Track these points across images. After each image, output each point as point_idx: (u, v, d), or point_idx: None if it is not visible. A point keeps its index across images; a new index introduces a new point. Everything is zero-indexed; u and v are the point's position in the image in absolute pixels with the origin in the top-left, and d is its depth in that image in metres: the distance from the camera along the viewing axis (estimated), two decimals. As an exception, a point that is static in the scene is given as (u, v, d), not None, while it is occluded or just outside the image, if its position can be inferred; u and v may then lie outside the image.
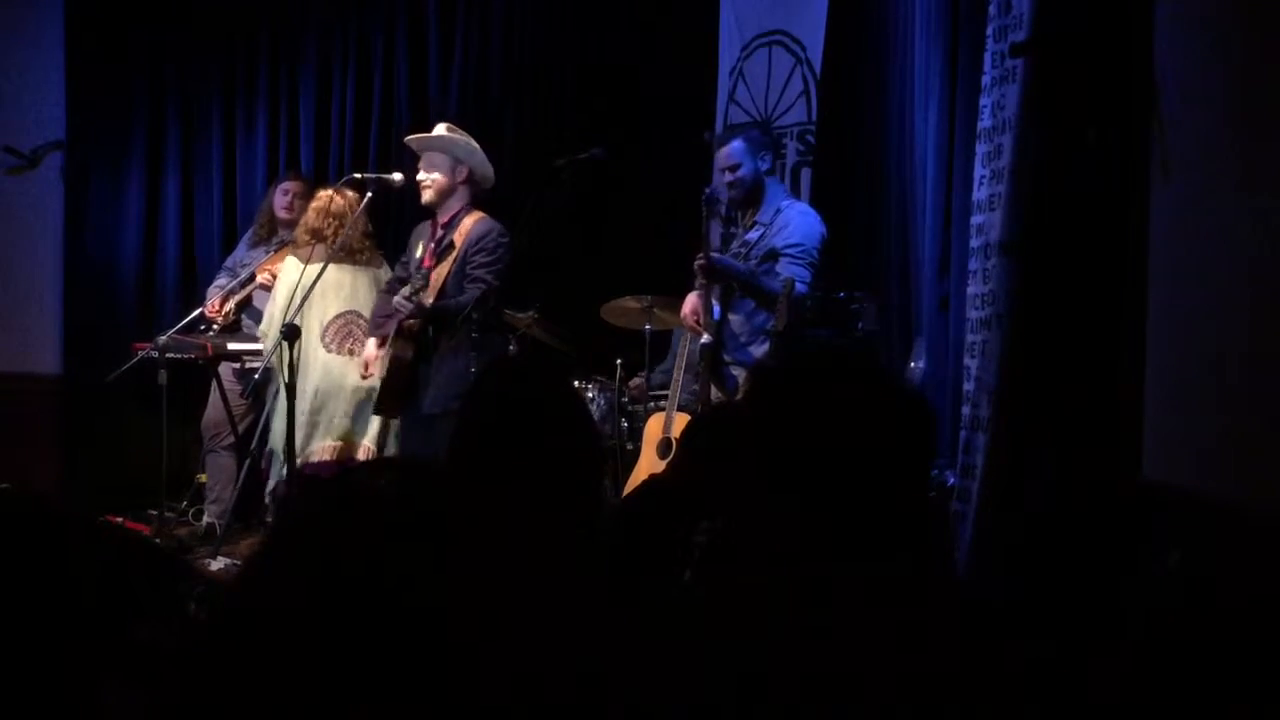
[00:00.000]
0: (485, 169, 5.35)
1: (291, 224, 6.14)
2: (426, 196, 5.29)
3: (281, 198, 6.22)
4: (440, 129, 5.40)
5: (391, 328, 5.19)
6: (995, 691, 1.52)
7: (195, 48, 7.13)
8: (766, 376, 4.14)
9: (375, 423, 5.67)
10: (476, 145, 5.34)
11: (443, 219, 5.29)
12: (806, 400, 1.69)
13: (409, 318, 5.04)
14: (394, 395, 5.18)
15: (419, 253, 5.35)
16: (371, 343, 5.40)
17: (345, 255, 5.65)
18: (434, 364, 5.08)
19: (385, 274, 5.75)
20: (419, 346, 5.12)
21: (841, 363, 1.87)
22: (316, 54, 7.09)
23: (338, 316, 5.63)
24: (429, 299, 5.08)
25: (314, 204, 5.78)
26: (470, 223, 5.22)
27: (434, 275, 5.07)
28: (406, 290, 5.02)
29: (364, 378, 5.47)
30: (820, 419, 1.65)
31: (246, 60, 7.17)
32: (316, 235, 5.64)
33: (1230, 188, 3.15)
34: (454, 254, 5.14)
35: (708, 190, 4.87)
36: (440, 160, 5.30)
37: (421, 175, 5.30)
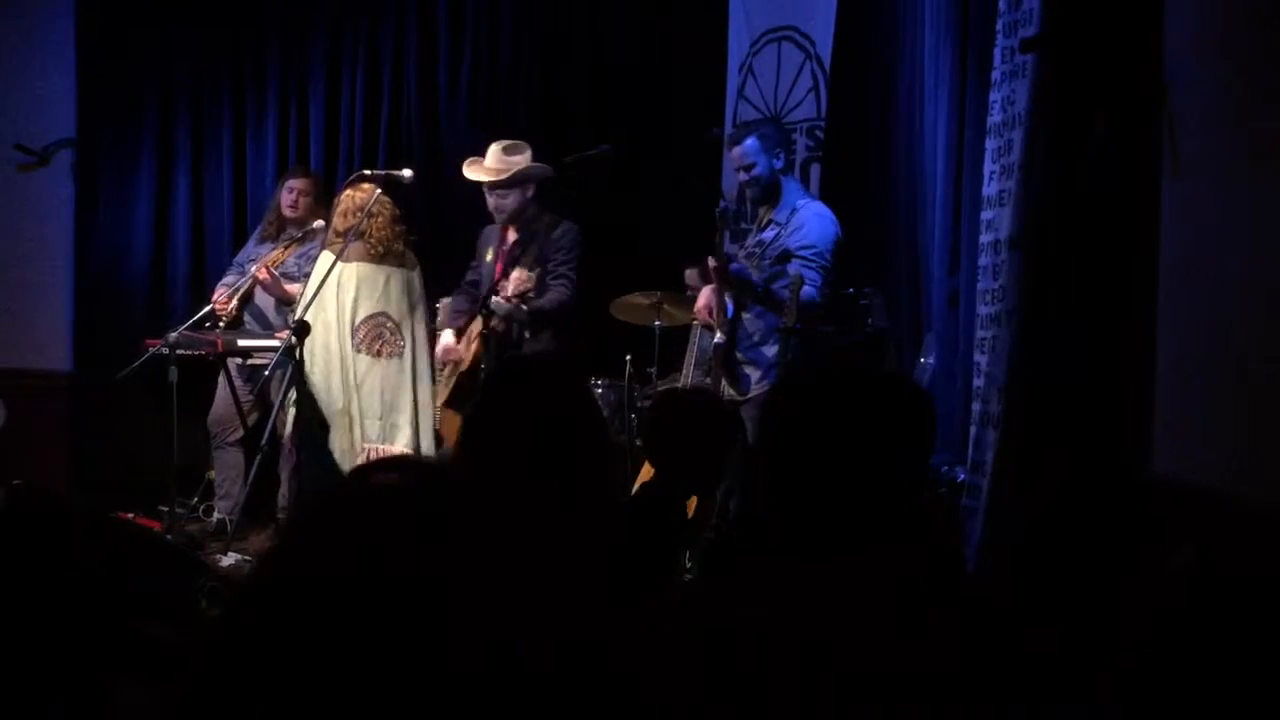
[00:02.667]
0: (546, 172, 5.42)
1: (297, 222, 6.14)
2: (501, 219, 5.40)
3: (287, 195, 6.21)
4: (495, 154, 5.40)
5: (478, 326, 5.23)
6: (1002, 687, 1.52)
7: (205, 45, 7.14)
8: (778, 380, 4.14)
9: (408, 428, 5.66)
10: (529, 153, 5.36)
11: (515, 224, 5.38)
12: (806, 399, 1.70)
13: (507, 317, 5.10)
14: (469, 390, 5.23)
15: (490, 257, 5.38)
16: (449, 332, 5.48)
17: (384, 252, 5.60)
18: None
19: (419, 277, 5.74)
20: (501, 346, 5.19)
21: (840, 361, 1.88)
22: (326, 51, 7.10)
23: (369, 317, 5.59)
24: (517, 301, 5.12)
25: (336, 208, 5.71)
26: (546, 224, 5.30)
27: (515, 276, 5.09)
28: (510, 290, 5.05)
29: (443, 365, 5.56)
30: (820, 416, 1.66)
31: (256, 57, 7.17)
32: (350, 232, 5.58)
33: (1241, 182, 3.14)
34: (532, 256, 5.21)
35: (721, 205, 4.87)
36: (510, 190, 5.37)
37: (493, 203, 5.39)
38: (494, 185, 5.38)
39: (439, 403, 5.55)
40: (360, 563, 0.80)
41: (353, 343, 5.56)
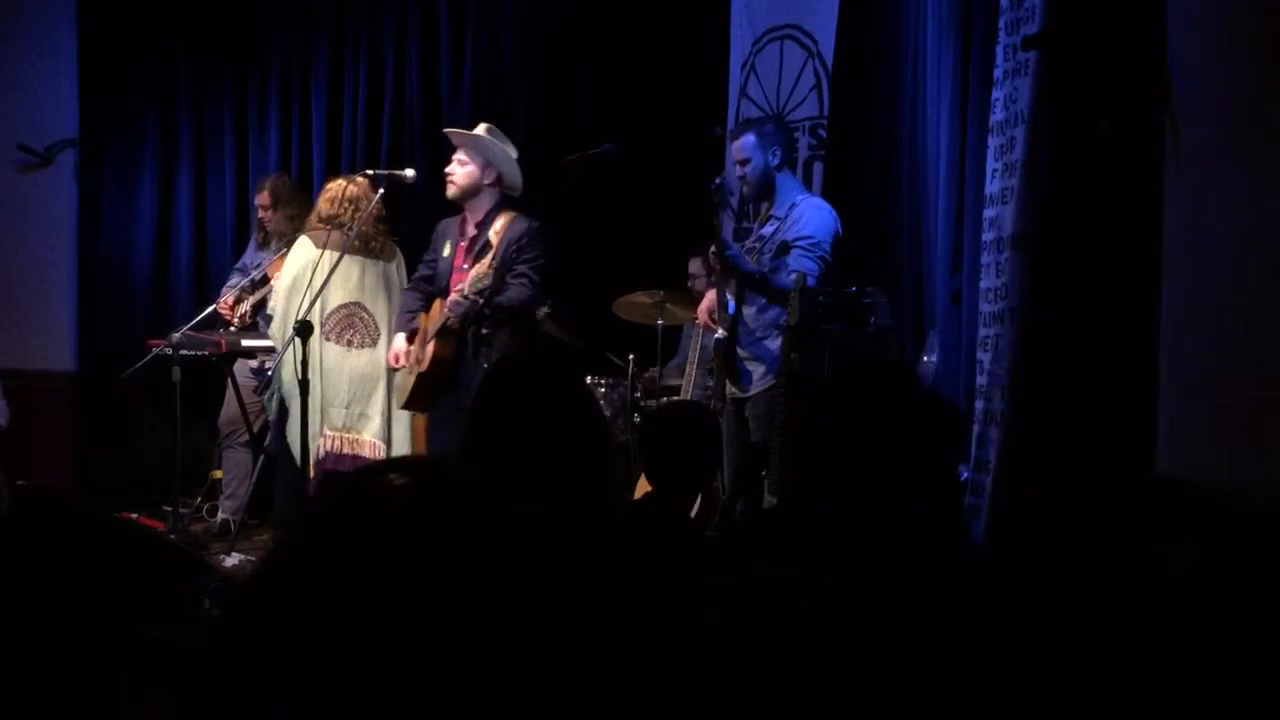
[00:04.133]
0: (516, 178, 5.24)
1: (281, 230, 6.16)
2: (450, 191, 5.21)
3: (258, 213, 6.30)
4: (481, 129, 5.33)
5: (434, 324, 5.14)
6: (1006, 687, 1.51)
7: (207, 45, 7.15)
8: (805, 384, 4.17)
9: (379, 418, 5.64)
10: (514, 153, 5.28)
11: (474, 218, 5.23)
12: (838, 405, 1.70)
13: (465, 315, 5.01)
14: (428, 391, 5.15)
15: (447, 251, 5.31)
16: (401, 337, 5.31)
17: (360, 245, 5.56)
18: (480, 360, 5.00)
19: (398, 268, 5.72)
20: (459, 344, 5.11)
21: (872, 369, 1.90)
22: (328, 52, 7.11)
23: (340, 307, 5.57)
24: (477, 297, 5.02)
25: (325, 194, 5.68)
26: (506, 221, 5.15)
27: (474, 273, 5.01)
28: (466, 289, 4.95)
29: (393, 369, 5.44)
30: (850, 423, 1.66)
31: (259, 59, 7.18)
32: (331, 221, 5.55)
33: (1245, 180, 3.14)
34: (492, 252, 5.11)
35: (717, 180, 4.85)
36: (472, 158, 5.25)
37: (451, 168, 5.21)
38: (460, 142, 5.24)
39: (398, 405, 5.46)
40: (360, 565, 0.80)
41: (321, 331, 5.52)
